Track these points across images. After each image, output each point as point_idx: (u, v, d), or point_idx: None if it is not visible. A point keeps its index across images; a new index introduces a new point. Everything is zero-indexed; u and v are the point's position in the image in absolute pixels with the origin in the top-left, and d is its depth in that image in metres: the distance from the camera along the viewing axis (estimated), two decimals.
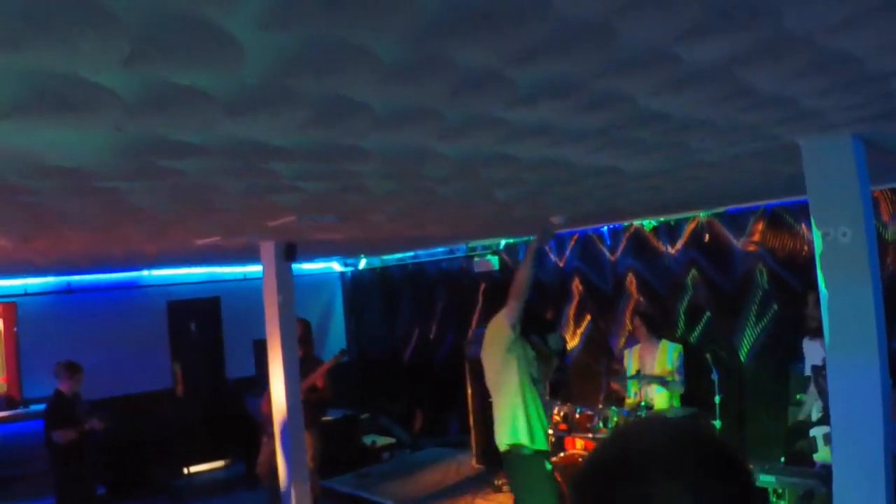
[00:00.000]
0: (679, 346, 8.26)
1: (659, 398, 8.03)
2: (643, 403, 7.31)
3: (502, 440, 6.00)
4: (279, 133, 3.09)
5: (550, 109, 3.12)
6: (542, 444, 5.96)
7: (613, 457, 1.23)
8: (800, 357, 7.19)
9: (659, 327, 8.53)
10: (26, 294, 10.89)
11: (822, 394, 6.43)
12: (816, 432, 6.24)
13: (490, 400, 6.29)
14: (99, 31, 1.85)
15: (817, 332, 6.38)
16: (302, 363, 8.21)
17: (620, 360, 8.74)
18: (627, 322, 9.72)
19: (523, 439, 5.89)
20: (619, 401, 8.42)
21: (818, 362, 6.43)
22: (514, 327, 5.91)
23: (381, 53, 2.21)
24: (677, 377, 7.98)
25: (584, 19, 2.10)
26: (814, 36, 2.45)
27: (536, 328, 6.47)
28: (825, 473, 5.38)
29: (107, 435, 8.41)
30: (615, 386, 8.49)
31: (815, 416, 6.46)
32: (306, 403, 8.21)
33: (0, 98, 2.32)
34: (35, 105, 2.40)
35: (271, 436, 8.63)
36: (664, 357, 8.19)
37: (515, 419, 5.93)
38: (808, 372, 6.85)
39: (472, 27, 2.07)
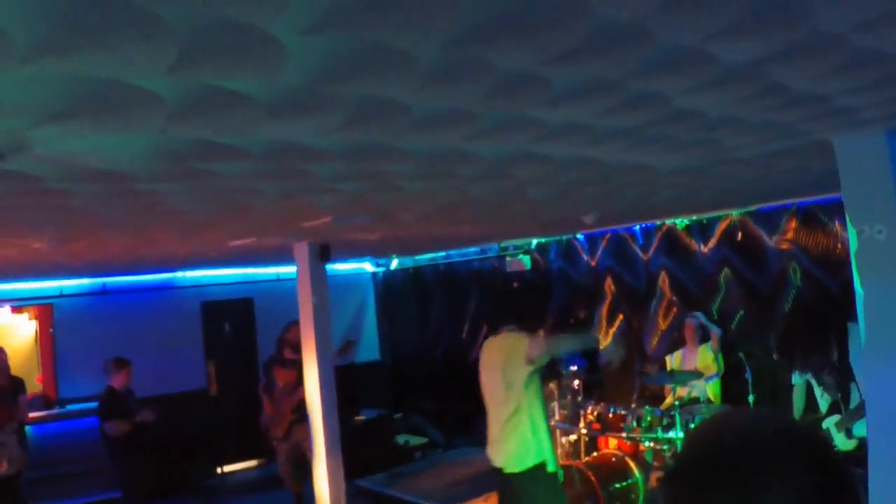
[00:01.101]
0: (718, 354, 8.29)
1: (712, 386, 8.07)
2: (676, 403, 7.29)
3: (522, 460, 5.86)
4: (318, 135, 3.14)
5: (585, 109, 3.14)
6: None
7: (717, 453, 1.15)
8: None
9: (706, 332, 8.54)
10: (62, 296, 11.02)
11: (827, 389, 6.48)
12: (828, 423, 6.29)
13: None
14: (146, 37, 1.90)
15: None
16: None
17: (654, 360, 8.73)
18: (661, 320, 9.70)
19: (546, 457, 5.82)
20: (653, 400, 8.42)
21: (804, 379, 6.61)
22: (532, 363, 5.71)
23: (421, 57, 2.25)
24: (717, 363, 8.04)
25: (620, 21, 2.13)
26: (846, 34, 2.46)
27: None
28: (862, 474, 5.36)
29: (154, 429, 8.52)
30: (650, 386, 8.48)
31: (824, 408, 6.54)
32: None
33: (45, 103, 2.38)
34: (79, 110, 2.45)
35: (282, 438, 8.72)
36: (704, 357, 8.21)
37: (539, 435, 5.84)
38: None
39: (512, 31, 2.10)
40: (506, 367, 5.78)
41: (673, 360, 8.51)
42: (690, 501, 1.13)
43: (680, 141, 4.01)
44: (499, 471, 5.91)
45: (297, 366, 8.29)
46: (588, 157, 4.27)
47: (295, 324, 8.47)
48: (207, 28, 1.89)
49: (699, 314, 8.62)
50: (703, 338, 8.43)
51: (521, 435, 5.77)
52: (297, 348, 8.40)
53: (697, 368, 8.11)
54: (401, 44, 2.13)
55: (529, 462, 5.75)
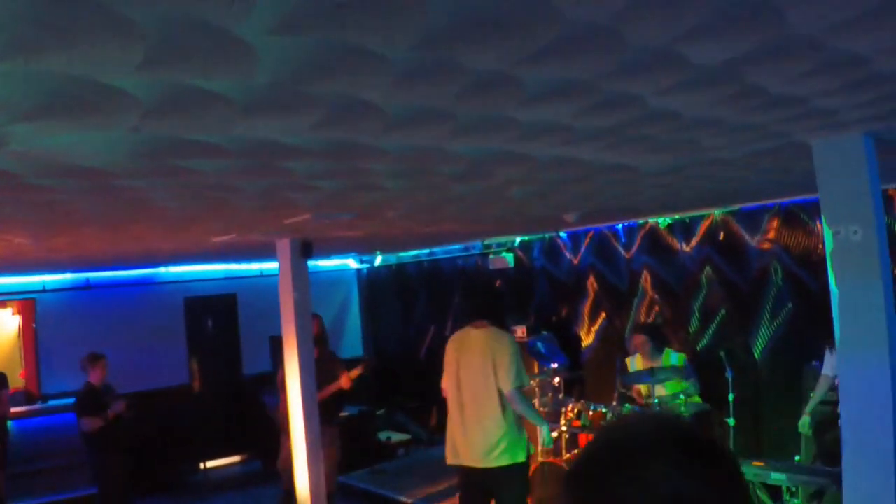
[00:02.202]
0: (682, 355, 8.22)
1: (671, 385, 8.02)
2: (656, 401, 7.32)
3: (502, 453, 5.97)
4: (293, 133, 3.14)
5: (560, 110, 3.15)
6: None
7: (602, 447, 1.30)
8: (816, 357, 7.22)
9: (664, 341, 8.45)
10: (45, 290, 10.99)
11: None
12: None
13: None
14: (114, 37, 1.90)
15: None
16: (317, 363, 8.23)
17: (624, 368, 8.66)
18: (642, 318, 9.73)
19: (521, 451, 5.95)
20: (633, 398, 8.44)
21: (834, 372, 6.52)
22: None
23: (392, 57, 2.25)
24: (690, 381, 7.93)
25: (590, 23, 2.14)
26: (819, 37, 2.47)
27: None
28: (836, 472, 5.40)
29: (131, 424, 8.51)
30: (634, 387, 8.46)
31: None
32: (326, 401, 8.30)
33: (20, 101, 2.38)
34: (54, 108, 2.46)
35: (286, 434, 8.72)
36: (668, 363, 8.17)
37: (516, 430, 5.96)
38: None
39: (481, 33, 2.11)
40: (494, 368, 5.91)
41: (634, 362, 8.47)
42: (589, 491, 1.25)
43: (658, 141, 4.03)
44: (509, 467, 6.02)
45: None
46: (567, 157, 4.28)
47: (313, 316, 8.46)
48: (174, 28, 1.90)
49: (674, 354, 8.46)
50: (659, 344, 8.34)
51: (518, 428, 5.92)
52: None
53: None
54: (370, 45, 2.14)
55: (522, 456, 5.91)
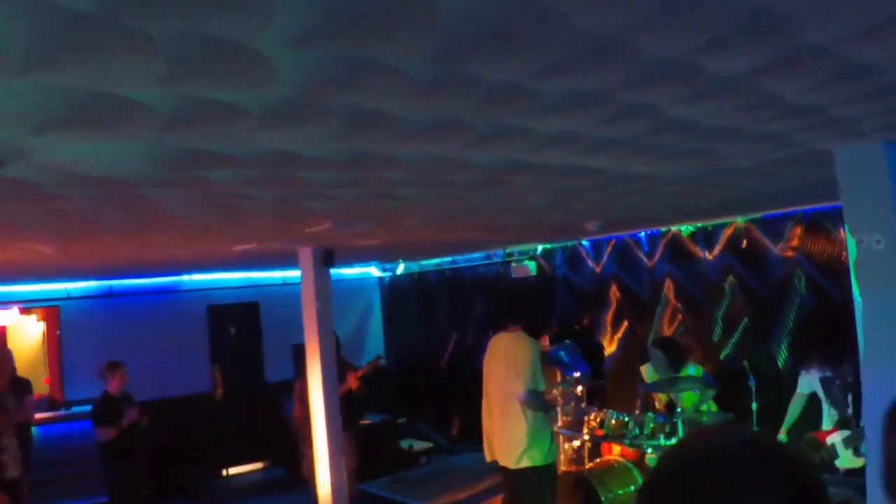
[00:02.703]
0: (700, 368, 8.12)
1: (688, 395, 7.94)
2: (679, 410, 7.26)
3: (522, 455, 6.06)
4: (311, 144, 3.16)
5: (577, 120, 3.15)
6: None
7: (683, 463, 1.19)
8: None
9: (679, 360, 8.22)
10: (69, 298, 11.08)
11: (836, 403, 6.38)
12: (834, 439, 6.20)
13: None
14: (133, 52, 1.93)
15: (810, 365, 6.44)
16: None
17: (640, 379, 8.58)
18: (665, 327, 9.67)
19: (541, 455, 6.01)
20: (656, 407, 8.38)
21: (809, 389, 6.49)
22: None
23: (408, 70, 2.26)
24: (710, 390, 7.86)
25: (603, 35, 2.14)
26: (835, 47, 2.46)
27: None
28: (861, 482, 5.34)
29: (148, 434, 8.53)
30: (653, 395, 8.39)
31: (828, 425, 6.43)
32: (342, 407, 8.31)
33: (42, 114, 2.41)
34: (75, 120, 2.49)
35: (309, 440, 8.74)
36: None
37: (538, 434, 6.02)
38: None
39: (495, 44, 2.11)
40: (513, 372, 6.00)
41: (649, 372, 8.39)
42: None
43: (676, 150, 4.01)
44: (542, 467, 6.20)
45: None
46: (584, 167, 4.27)
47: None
48: (191, 43, 1.92)
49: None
50: (673, 366, 8.23)
51: (548, 431, 5.96)
52: None
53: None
54: (386, 58, 2.15)
55: (540, 460, 5.96)
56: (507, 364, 6.19)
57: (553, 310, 11.30)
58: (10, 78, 2.03)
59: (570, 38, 2.11)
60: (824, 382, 6.36)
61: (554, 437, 6.16)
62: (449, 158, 3.71)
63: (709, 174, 4.99)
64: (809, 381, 6.75)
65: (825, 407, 6.54)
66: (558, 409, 8.19)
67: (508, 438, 6.16)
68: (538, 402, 6.01)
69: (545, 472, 6.14)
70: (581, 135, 3.45)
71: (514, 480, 6.20)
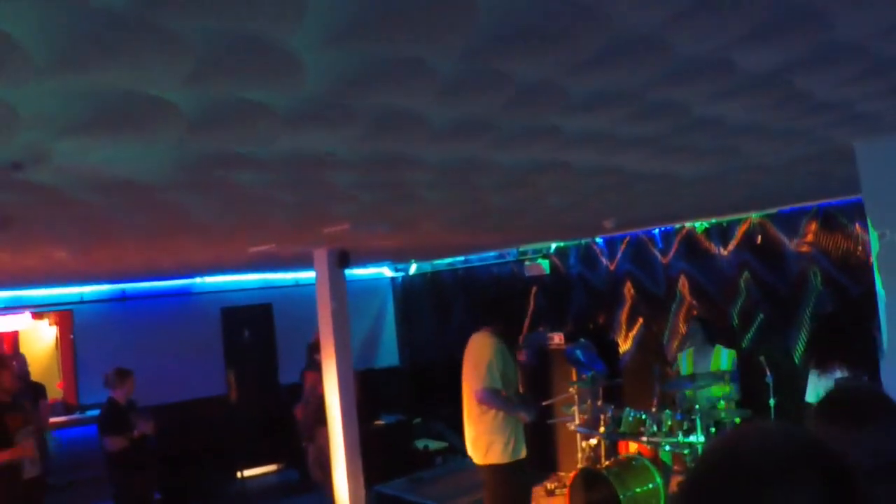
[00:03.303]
0: (733, 352, 8.14)
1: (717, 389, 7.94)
2: (697, 407, 7.23)
3: (486, 451, 6.12)
4: (337, 145, 3.14)
5: (604, 118, 3.14)
6: None
7: (728, 460, 1.17)
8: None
9: (715, 335, 8.36)
10: (82, 302, 11.07)
11: None
12: None
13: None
14: (162, 51, 1.92)
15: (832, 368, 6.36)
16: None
17: (673, 362, 8.63)
18: (681, 325, 9.64)
19: (501, 452, 6.05)
20: (674, 404, 8.36)
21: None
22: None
23: (439, 68, 2.25)
24: (731, 385, 7.85)
25: (638, 31, 2.13)
26: (866, 41, 2.45)
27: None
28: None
29: (161, 440, 8.48)
30: (669, 392, 8.39)
31: None
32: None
33: (64, 115, 2.40)
34: (98, 122, 2.48)
35: (309, 439, 8.76)
36: (718, 361, 8.09)
37: (497, 431, 6.06)
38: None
39: (529, 41, 2.10)
40: (473, 371, 6.15)
41: (685, 358, 8.39)
42: None
43: (701, 148, 4.00)
44: (517, 462, 6.15)
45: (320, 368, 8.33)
46: (608, 165, 4.26)
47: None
48: (222, 42, 1.90)
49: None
50: (710, 338, 8.27)
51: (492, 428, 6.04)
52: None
53: (711, 364, 8.03)
54: (418, 56, 2.13)
55: (500, 458, 5.98)
56: (469, 363, 6.27)
57: (568, 308, 11.27)
58: (37, 79, 2.00)
59: (606, 34, 2.10)
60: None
61: (518, 435, 6.15)
62: (474, 159, 3.69)
63: (731, 172, 4.97)
64: (823, 386, 6.63)
65: None
66: (575, 408, 8.18)
67: (472, 435, 6.27)
68: (495, 400, 6.02)
69: (509, 470, 6.15)
70: (607, 133, 3.43)
71: (482, 476, 6.32)
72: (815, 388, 6.67)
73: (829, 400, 2.10)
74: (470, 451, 6.33)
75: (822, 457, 1.13)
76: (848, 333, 6.94)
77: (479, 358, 6.13)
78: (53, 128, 2.52)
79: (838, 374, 6.48)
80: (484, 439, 6.11)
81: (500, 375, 6.00)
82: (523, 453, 6.24)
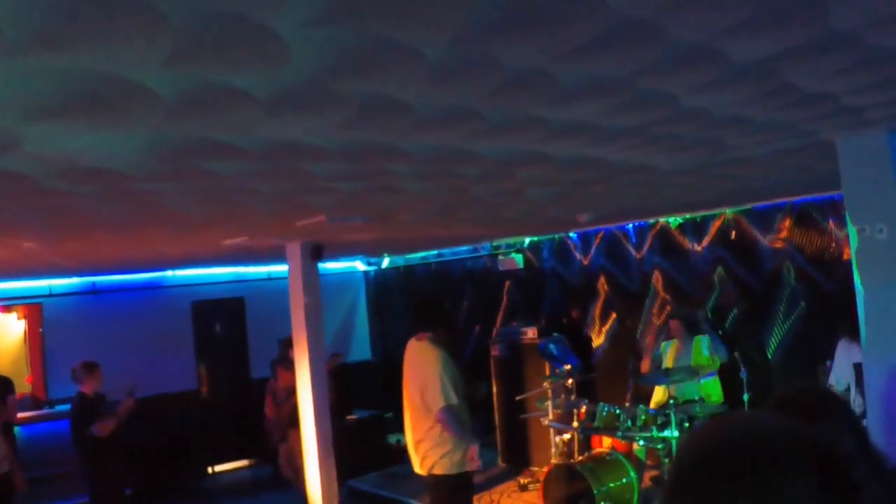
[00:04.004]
0: (706, 337, 8.22)
1: (708, 385, 8.00)
2: (672, 402, 7.25)
3: (432, 462, 5.92)
4: (318, 133, 3.08)
5: (591, 108, 3.10)
6: None
7: (719, 450, 1.13)
8: (830, 357, 7.08)
9: (695, 327, 8.44)
10: (51, 295, 10.93)
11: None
12: None
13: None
14: (142, 29, 1.84)
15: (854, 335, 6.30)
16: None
17: (657, 354, 8.64)
18: (655, 319, 9.66)
19: (449, 464, 5.92)
20: (647, 398, 8.38)
21: (852, 361, 6.32)
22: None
23: (429, 53, 2.19)
24: (715, 356, 7.94)
25: (634, 17, 2.08)
26: (861, 32, 2.43)
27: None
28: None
29: (131, 434, 8.38)
30: (642, 387, 8.42)
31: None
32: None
33: (37, 98, 2.31)
34: (72, 105, 2.40)
35: (279, 439, 8.69)
36: (699, 350, 8.15)
37: (446, 442, 5.92)
38: (835, 372, 6.72)
39: (523, 26, 2.05)
40: (423, 386, 5.92)
41: (668, 352, 8.43)
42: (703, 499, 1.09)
43: (684, 140, 3.97)
44: (459, 476, 5.94)
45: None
46: (591, 158, 4.23)
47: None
48: (206, 21, 1.83)
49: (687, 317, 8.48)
50: (692, 331, 8.35)
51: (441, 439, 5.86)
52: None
53: (692, 357, 8.09)
54: (409, 39, 2.08)
55: (447, 468, 5.85)
56: (416, 375, 6.05)
57: (541, 303, 11.27)
58: (6, 57, 1.91)
59: (600, 19, 2.05)
60: (858, 370, 6.28)
61: (459, 447, 5.96)
62: (457, 149, 3.64)
63: (713, 165, 4.96)
64: (841, 373, 6.61)
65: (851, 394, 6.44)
66: (549, 403, 8.17)
67: (415, 443, 6.04)
68: (453, 424, 5.81)
69: (455, 481, 5.99)
70: (592, 124, 3.39)
71: (427, 486, 6.13)
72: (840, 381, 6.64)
73: (781, 397, 2.16)
74: (412, 459, 6.13)
75: (817, 446, 1.10)
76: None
77: (428, 371, 5.88)
78: (25, 112, 2.43)
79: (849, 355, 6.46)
80: (432, 450, 5.91)
81: (454, 388, 5.84)
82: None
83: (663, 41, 2.29)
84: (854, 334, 6.33)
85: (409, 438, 6.15)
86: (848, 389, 6.47)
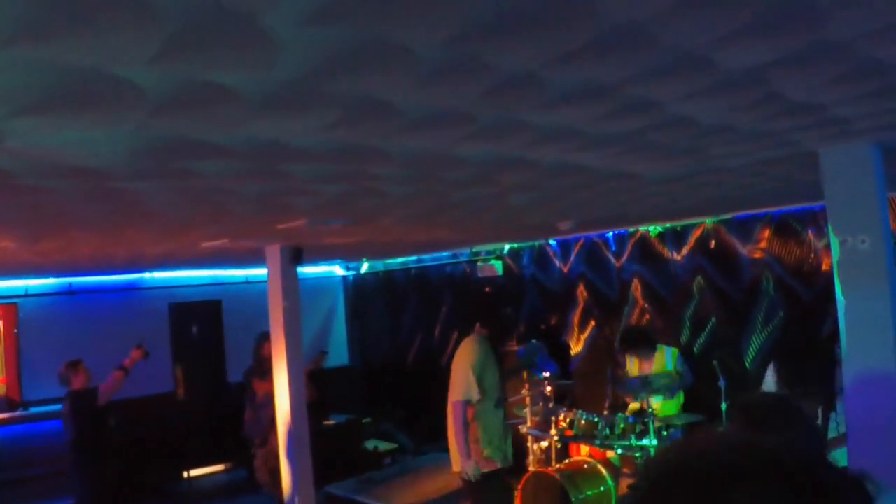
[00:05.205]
0: (675, 350, 8.22)
1: (665, 405, 7.98)
2: (650, 410, 7.25)
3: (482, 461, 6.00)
4: (303, 134, 3.05)
5: (579, 114, 3.09)
6: None
7: (676, 470, 1.13)
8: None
9: (650, 340, 8.38)
10: (27, 295, 10.82)
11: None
12: None
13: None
14: (133, 23, 1.80)
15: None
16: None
17: (623, 364, 8.65)
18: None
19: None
20: (625, 407, 8.39)
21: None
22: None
23: (422, 54, 2.17)
24: (680, 378, 7.91)
25: (627, 24, 2.07)
26: (853, 43, 2.43)
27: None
28: None
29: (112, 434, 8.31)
30: (623, 394, 8.40)
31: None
32: None
33: (21, 93, 2.27)
34: (54, 100, 2.35)
35: (258, 444, 8.63)
36: (662, 362, 8.14)
37: (499, 439, 5.97)
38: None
39: (517, 29, 2.03)
40: (454, 379, 6.03)
41: (633, 360, 8.44)
42: None
43: (669, 148, 3.98)
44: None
45: None
46: (575, 164, 4.22)
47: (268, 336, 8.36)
48: (196, 15, 1.80)
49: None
50: (649, 343, 8.33)
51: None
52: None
53: (654, 367, 8.08)
54: (402, 39, 2.05)
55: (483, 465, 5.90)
56: (453, 369, 6.16)
57: (520, 309, 11.26)
58: None
59: (593, 24, 2.04)
60: None
61: (495, 444, 5.98)
62: (442, 153, 3.62)
63: (696, 174, 4.98)
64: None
65: None
66: (527, 410, 8.16)
67: (448, 440, 6.16)
68: (462, 421, 5.85)
69: (483, 480, 6.02)
70: (578, 130, 3.38)
71: (460, 483, 6.23)
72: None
73: (740, 406, 2.28)
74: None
75: (773, 456, 1.10)
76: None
77: (458, 365, 6.00)
78: (7, 105, 2.39)
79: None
80: (454, 447, 5.98)
81: (478, 383, 5.86)
82: (499, 464, 6.13)
83: (655, 48, 2.28)
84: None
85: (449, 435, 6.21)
86: None
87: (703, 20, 2.10)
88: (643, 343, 8.19)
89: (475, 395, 5.85)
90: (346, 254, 11.59)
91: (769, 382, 6.72)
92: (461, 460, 5.97)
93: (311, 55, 2.13)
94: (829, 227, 4.45)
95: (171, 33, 1.88)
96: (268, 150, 3.25)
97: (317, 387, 8.99)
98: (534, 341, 9.53)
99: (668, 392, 7.72)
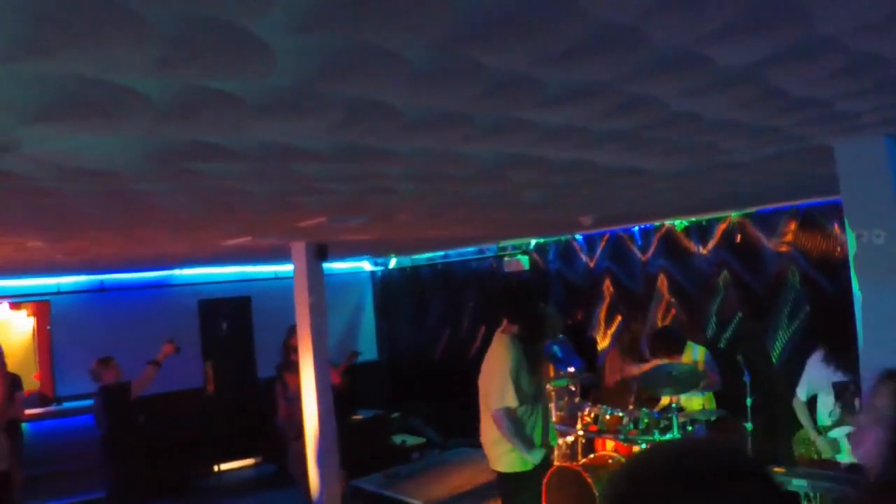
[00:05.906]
0: (703, 348, 8.17)
1: (693, 401, 7.96)
2: (674, 405, 7.24)
3: (496, 458, 5.98)
4: (307, 135, 3.10)
5: (579, 112, 3.10)
6: None
7: (659, 471, 1.17)
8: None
9: (680, 340, 8.29)
10: (59, 293, 11.00)
11: (847, 407, 6.24)
12: (838, 433, 6.14)
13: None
14: (130, 36, 1.86)
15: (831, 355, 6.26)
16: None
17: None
18: (659, 323, 9.63)
19: (510, 462, 5.93)
20: (650, 402, 8.36)
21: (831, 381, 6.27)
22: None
23: (412, 58, 2.21)
24: (709, 379, 7.84)
25: (615, 23, 2.09)
26: (846, 38, 2.42)
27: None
28: (856, 477, 5.29)
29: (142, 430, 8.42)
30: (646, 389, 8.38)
31: (824, 421, 6.35)
32: None
33: (32, 103, 2.34)
34: (65, 110, 2.42)
35: (293, 438, 8.70)
36: (689, 358, 8.10)
37: (538, 435, 5.92)
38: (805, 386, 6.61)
39: (504, 32, 2.06)
40: (491, 384, 5.87)
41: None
42: None
43: (676, 144, 3.97)
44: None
45: None
46: (582, 161, 4.23)
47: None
48: (191, 28, 1.85)
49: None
50: (673, 349, 8.25)
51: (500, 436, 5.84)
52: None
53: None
54: (391, 45, 2.09)
55: (508, 466, 5.83)
56: (486, 369, 5.97)
57: (546, 304, 11.25)
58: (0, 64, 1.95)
59: (582, 25, 2.06)
60: (838, 388, 6.25)
61: (533, 441, 5.89)
62: (447, 152, 3.65)
63: (707, 169, 4.96)
64: (815, 385, 6.53)
65: (826, 405, 6.42)
66: (552, 405, 8.16)
67: (484, 439, 6.04)
68: (506, 429, 5.70)
69: (519, 479, 5.93)
70: (581, 128, 3.40)
71: (496, 481, 6.15)
72: (803, 393, 6.58)
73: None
74: (487, 456, 6.14)
75: (744, 462, 1.15)
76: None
77: (494, 368, 5.82)
78: (20, 115, 2.46)
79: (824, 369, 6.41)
80: (492, 446, 5.93)
81: (515, 388, 5.72)
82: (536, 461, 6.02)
83: (646, 46, 2.30)
84: (832, 357, 6.32)
85: (482, 432, 6.11)
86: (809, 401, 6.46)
87: (687, 18, 2.12)
88: (673, 345, 8.12)
89: (513, 402, 5.72)
90: (372, 250, 11.65)
91: (818, 369, 6.47)
92: (526, 455, 5.84)
93: (304, 62, 2.18)
94: (846, 221, 4.42)
95: (167, 45, 1.94)
96: (276, 151, 3.30)
97: (349, 382, 9.06)
98: (560, 336, 9.53)
99: (685, 386, 7.64)
